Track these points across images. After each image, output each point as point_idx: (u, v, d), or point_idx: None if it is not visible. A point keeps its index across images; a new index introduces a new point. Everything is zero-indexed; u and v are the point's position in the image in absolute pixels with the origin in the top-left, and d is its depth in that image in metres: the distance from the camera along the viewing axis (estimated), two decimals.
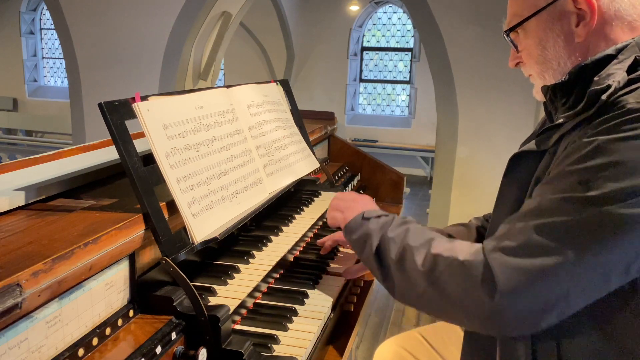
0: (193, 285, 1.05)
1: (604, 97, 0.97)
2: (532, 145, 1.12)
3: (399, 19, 10.07)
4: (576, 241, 0.91)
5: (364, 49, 10.30)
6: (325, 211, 1.87)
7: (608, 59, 1.05)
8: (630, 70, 1.00)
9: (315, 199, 1.96)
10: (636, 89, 0.96)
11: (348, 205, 1.37)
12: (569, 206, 0.93)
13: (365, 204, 1.38)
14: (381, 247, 1.17)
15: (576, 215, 0.92)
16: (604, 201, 0.90)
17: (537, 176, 1.08)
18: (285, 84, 2.05)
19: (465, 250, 1.04)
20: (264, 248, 1.46)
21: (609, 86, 0.97)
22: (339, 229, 1.40)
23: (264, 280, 1.33)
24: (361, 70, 10.36)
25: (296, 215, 1.75)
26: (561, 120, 1.07)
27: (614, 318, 0.99)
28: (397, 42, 10.18)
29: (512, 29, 1.17)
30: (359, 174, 2.65)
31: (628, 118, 0.92)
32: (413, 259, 1.08)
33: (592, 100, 0.99)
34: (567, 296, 0.93)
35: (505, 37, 1.21)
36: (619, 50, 1.05)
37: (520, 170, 1.12)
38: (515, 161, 1.14)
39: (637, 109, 0.92)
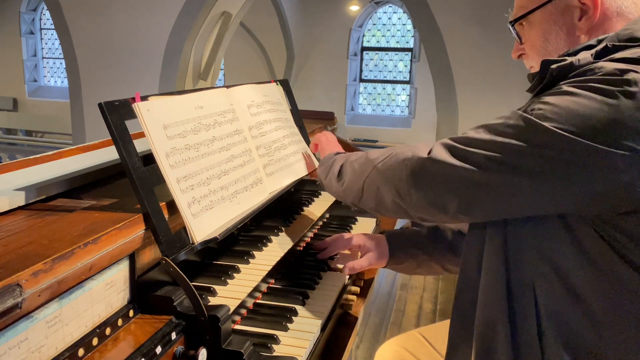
0: (193, 285, 1.05)
1: (553, 66, 1.03)
2: None
3: (399, 19, 10.08)
4: (503, 161, 0.98)
5: (364, 49, 10.31)
6: (326, 211, 1.87)
7: (589, 48, 1.08)
8: (599, 57, 1.03)
9: (315, 199, 1.96)
10: (593, 65, 1.00)
11: (329, 141, 1.73)
12: (518, 125, 0.98)
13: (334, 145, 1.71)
14: (341, 170, 1.38)
15: (510, 132, 0.98)
16: (545, 132, 0.94)
17: None
18: (285, 84, 2.04)
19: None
20: (264, 248, 1.46)
21: (564, 59, 1.03)
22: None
23: (264, 280, 1.32)
24: (361, 70, 10.36)
25: (296, 215, 1.75)
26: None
27: (591, 288, 1.00)
28: (397, 42, 10.18)
29: (518, 19, 1.21)
30: None
31: (573, 76, 0.98)
32: (366, 159, 1.28)
33: (544, 69, 1.05)
34: (476, 192, 1.02)
35: (510, 28, 1.24)
36: (600, 41, 1.08)
37: None
38: None
39: (587, 72, 0.97)
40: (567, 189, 0.94)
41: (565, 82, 1.00)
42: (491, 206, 1.03)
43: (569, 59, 1.02)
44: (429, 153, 1.09)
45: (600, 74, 0.95)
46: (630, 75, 0.91)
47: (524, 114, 0.98)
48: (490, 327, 1.09)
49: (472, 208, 1.05)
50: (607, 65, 0.96)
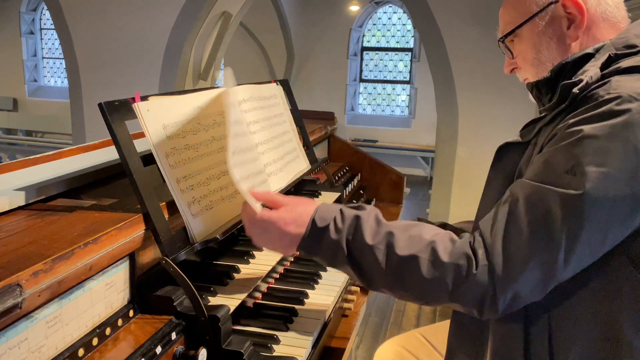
0: (193, 285, 1.05)
1: (575, 90, 1.04)
2: (516, 136, 1.19)
3: (399, 19, 10.08)
4: (569, 232, 0.96)
5: (364, 49, 10.30)
6: None
7: (587, 57, 1.13)
8: (606, 68, 1.07)
9: (315, 199, 1.96)
10: (607, 82, 1.03)
11: (274, 225, 1.13)
12: (560, 199, 0.97)
13: (293, 209, 1.14)
14: (355, 255, 1.08)
15: (567, 207, 0.96)
16: (591, 188, 0.95)
17: (520, 166, 1.13)
18: (285, 84, 2.04)
19: (469, 254, 1.04)
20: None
21: (580, 80, 1.05)
22: None
23: (264, 280, 1.33)
24: (361, 70, 10.36)
25: None
26: (543, 114, 1.14)
27: (597, 296, 1.03)
28: (397, 42, 10.18)
29: (507, 35, 1.25)
30: (359, 174, 2.65)
31: (605, 108, 0.98)
32: (417, 270, 1.03)
33: (565, 93, 1.07)
34: (562, 275, 1.00)
35: (500, 45, 1.28)
36: (597, 50, 1.13)
37: (506, 161, 1.18)
38: (501, 152, 1.20)
39: (607, 100, 0.99)
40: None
41: (584, 114, 1.01)
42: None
43: (584, 79, 1.04)
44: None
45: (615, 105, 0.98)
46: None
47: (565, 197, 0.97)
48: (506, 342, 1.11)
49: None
50: (623, 92, 0.98)
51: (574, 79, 1.07)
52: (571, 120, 1.02)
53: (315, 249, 1.11)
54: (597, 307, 1.03)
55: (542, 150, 1.07)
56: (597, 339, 1.03)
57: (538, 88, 1.22)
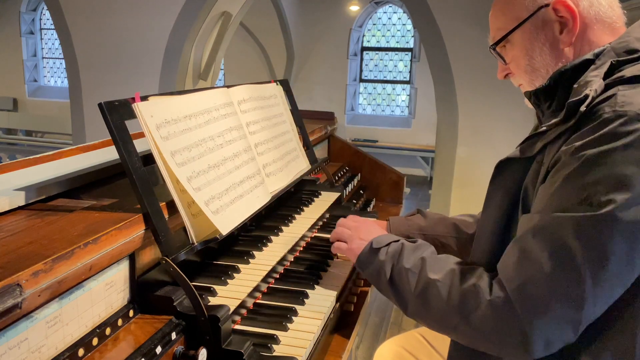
0: (193, 285, 1.05)
1: (582, 108, 0.99)
2: (516, 152, 1.15)
3: (399, 19, 10.08)
4: (592, 263, 0.92)
5: (364, 49, 10.30)
6: (326, 211, 1.87)
7: (587, 63, 1.09)
8: (608, 74, 1.03)
9: (315, 199, 1.96)
10: (612, 96, 0.98)
11: (352, 233, 1.39)
12: (577, 229, 0.93)
13: (368, 229, 1.40)
14: (395, 278, 1.19)
15: (585, 237, 0.93)
16: (606, 217, 0.91)
17: (526, 184, 1.09)
18: (285, 84, 2.04)
19: (487, 280, 1.06)
20: (264, 248, 1.46)
21: (586, 96, 1.00)
22: None
23: (264, 280, 1.33)
24: (361, 70, 10.36)
25: (296, 215, 1.75)
26: (544, 128, 1.09)
27: (618, 321, 1.00)
28: (397, 42, 10.18)
29: (498, 42, 1.21)
30: (359, 174, 2.65)
31: (607, 130, 0.94)
32: (439, 293, 1.09)
33: (571, 110, 1.02)
34: (594, 312, 0.96)
35: (492, 52, 1.24)
36: (597, 55, 1.08)
37: (506, 176, 1.14)
38: (501, 168, 1.16)
39: (613, 118, 0.95)
40: None
41: (589, 136, 0.96)
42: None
43: (590, 94, 1.00)
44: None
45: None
46: None
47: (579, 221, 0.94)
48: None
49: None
50: (629, 110, 0.94)
51: (579, 96, 1.01)
52: (577, 143, 0.97)
53: (365, 266, 1.27)
54: (616, 332, 1.00)
55: (548, 175, 1.03)
56: None
57: (537, 96, 1.18)
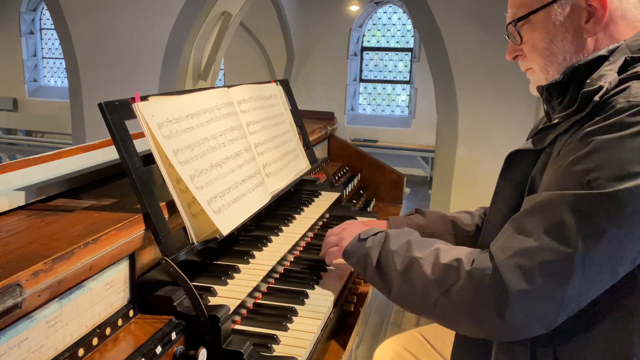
0: (193, 285, 1.05)
1: (596, 98, 0.99)
2: (528, 144, 1.14)
3: (399, 19, 10.07)
4: (585, 239, 0.93)
5: (364, 49, 10.30)
6: (326, 211, 1.87)
7: (600, 60, 1.08)
8: (621, 71, 1.03)
9: (315, 199, 1.96)
10: (626, 88, 0.99)
11: (340, 236, 1.42)
12: (575, 205, 0.94)
13: (356, 227, 1.43)
14: (382, 261, 1.20)
15: (582, 213, 0.93)
16: (608, 198, 0.92)
17: (533, 175, 1.09)
18: (285, 84, 2.04)
19: (472, 257, 1.06)
20: (264, 248, 1.46)
21: (600, 87, 1.00)
22: None
23: (264, 280, 1.33)
24: (361, 70, 10.36)
25: (296, 215, 1.75)
26: (557, 121, 1.09)
27: (610, 317, 1.00)
28: (397, 42, 10.18)
29: (520, 19, 1.16)
30: (359, 174, 2.65)
31: (619, 118, 0.95)
32: (421, 270, 1.11)
33: (585, 101, 1.02)
34: (578, 293, 0.95)
35: (509, 28, 1.20)
36: (611, 52, 1.07)
37: (517, 169, 1.14)
38: (512, 160, 1.15)
39: (626, 108, 0.95)
40: None
41: (601, 123, 0.97)
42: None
43: (604, 85, 1.00)
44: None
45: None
46: None
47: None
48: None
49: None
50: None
51: (593, 87, 1.01)
52: (588, 129, 0.98)
53: (352, 255, 1.30)
54: (607, 329, 1.00)
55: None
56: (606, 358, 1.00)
57: (549, 91, 1.16)
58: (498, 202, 1.18)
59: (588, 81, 1.05)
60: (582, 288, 0.95)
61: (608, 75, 1.01)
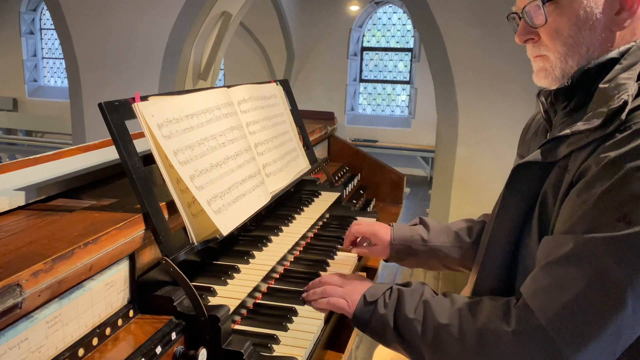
0: (193, 285, 1.05)
1: (622, 116, 0.92)
2: (537, 155, 1.05)
3: (399, 19, 10.07)
4: (633, 284, 0.86)
5: (364, 49, 10.30)
6: (326, 211, 1.87)
7: (611, 62, 1.02)
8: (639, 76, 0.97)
9: (315, 199, 1.96)
10: None
11: (343, 291, 1.24)
12: (616, 250, 0.87)
13: (359, 284, 1.25)
14: (402, 330, 1.10)
15: (624, 257, 0.87)
16: None
17: (545, 190, 1.03)
18: (285, 84, 2.04)
19: (502, 311, 0.99)
20: (264, 248, 1.46)
21: (626, 102, 0.93)
22: None
23: (264, 280, 1.33)
24: (361, 71, 10.36)
25: (296, 215, 1.75)
26: (568, 132, 1.00)
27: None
28: (397, 42, 10.18)
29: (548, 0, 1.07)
30: (359, 174, 2.65)
31: None
32: (452, 339, 1.02)
33: (611, 118, 0.94)
34: (629, 339, 0.91)
35: (531, 5, 1.09)
36: (622, 54, 1.02)
37: (524, 182, 1.07)
38: (519, 172, 1.07)
39: None
40: None
41: (627, 145, 0.90)
42: None
43: (628, 100, 0.93)
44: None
45: None
46: None
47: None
48: None
49: None
50: None
51: (612, 100, 0.94)
52: (613, 155, 0.90)
53: (364, 322, 1.16)
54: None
55: (572, 184, 0.96)
56: None
57: (556, 96, 1.10)
58: (503, 214, 1.10)
59: (603, 86, 0.99)
60: (633, 334, 0.90)
61: (628, 86, 0.95)
